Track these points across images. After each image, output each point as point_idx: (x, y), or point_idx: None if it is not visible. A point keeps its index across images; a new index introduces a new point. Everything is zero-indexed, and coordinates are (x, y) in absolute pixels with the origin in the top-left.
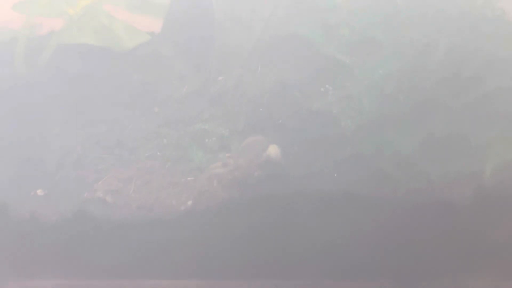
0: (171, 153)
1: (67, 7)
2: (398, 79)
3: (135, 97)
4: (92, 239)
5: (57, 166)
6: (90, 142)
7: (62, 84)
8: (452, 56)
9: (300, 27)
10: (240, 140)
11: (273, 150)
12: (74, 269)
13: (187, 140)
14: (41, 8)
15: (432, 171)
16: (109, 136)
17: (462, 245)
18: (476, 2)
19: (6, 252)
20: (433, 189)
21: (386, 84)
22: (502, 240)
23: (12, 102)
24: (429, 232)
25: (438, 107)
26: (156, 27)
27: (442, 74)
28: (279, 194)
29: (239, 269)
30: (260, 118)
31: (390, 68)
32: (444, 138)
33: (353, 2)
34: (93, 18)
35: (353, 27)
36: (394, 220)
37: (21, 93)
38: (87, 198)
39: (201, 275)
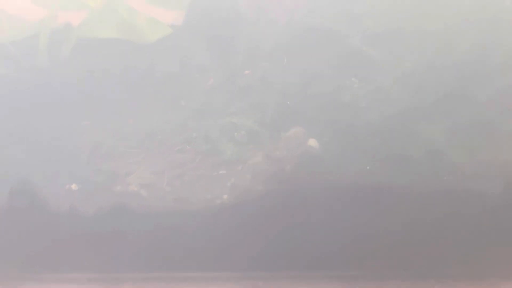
0: (201, 146)
1: (88, 0)
2: (425, 70)
3: (159, 90)
4: (129, 232)
5: (88, 160)
6: (119, 135)
7: (85, 78)
8: (478, 47)
9: (324, 19)
10: (270, 133)
11: (313, 144)
12: (109, 262)
13: (216, 134)
14: (62, 1)
15: (463, 162)
16: (137, 129)
17: (493, 236)
18: None
19: (43, 246)
20: (464, 180)
21: (412, 75)
22: None
23: (39, 97)
24: (461, 223)
25: (466, 98)
26: (178, 19)
27: (468, 65)
28: (314, 187)
29: (276, 261)
30: (287, 111)
31: (417, 60)
32: (473, 129)
33: None
34: (114, 11)
35: (378, 19)
36: (425, 211)
37: (46, 87)
38: (121, 191)
39: (238, 268)
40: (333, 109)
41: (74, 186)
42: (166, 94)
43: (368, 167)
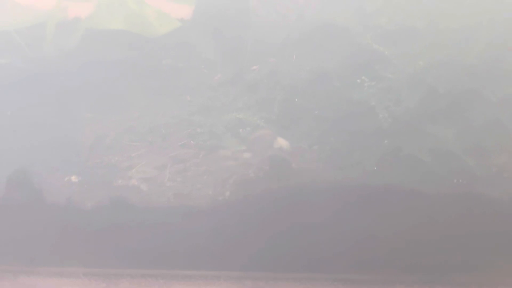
0: (205, 142)
1: None
2: (438, 70)
3: (166, 84)
4: (127, 227)
5: (90, 152)
6: (122, 128)
7: (91, 69)
8: (492, 47)
9: (335, 16)
10: (276, 131)
11: (283, 143)
12: (106, 257)
13: (221, 129)
14: None
15: (474, 165)
16: (141, 123)
17: (505, 243)
18: None
19: (40, 238)
20: (476, 184)
21: (425, 75)
22: None
23: (43, 87)
24: (471, 228)
25: (480, 98)
26: (187, 13)
27: (482, 66)
28: (321, 186)
29: (278, 262)
30: (295, 108)
31: (430, 59)
32: (486, 131)
33: None
34: (123, 4)
35: (390, 16)
36: (433, 215)
37: (51, 78)
38: (122, 185)
39: (239, 267)
40: (342, 107)
41: (74, 178)
42: (172, 88)
43: (375, 168)
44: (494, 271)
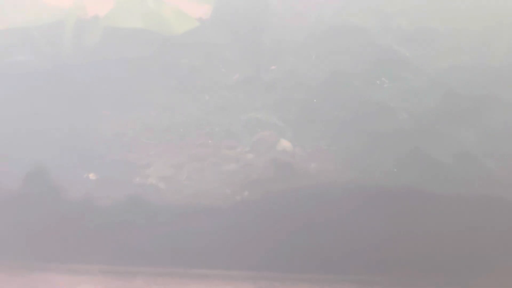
0: (223, 141)
1: None
2: (458, 72)
3: (184, 83)
4: (144, 225)
5: (108, 150)
6: (140, 126)
7: (109, 67)
8: None
9: (355, 16)
10: (295, 131)
11: (286, 144)
12: (122, 255)
13: (239, 129)
14: None
15: (494, 168)
16: (159, 121)
17: None
18: None
19: (57, 235)
20: (495, 187)
21: (445, 77)
22: None
23: (61, 84)
24: (491, 233)
25: (499, 102)
26: (206, 13)
27: (503, 69)
28: (338, 188)
29: (294, 262)
30: (313, 108)
31: (450, 61)
32: (506, 134)
33: None
34: (141, 2)
35: (410, 17)
36: (453, 217)
37: (69, 76)
38: (139, 183)
39: (254, 267)
40: (361, 108)
41: (92, 175)
42: (190, 87)
43: (395, 169)
44: None
